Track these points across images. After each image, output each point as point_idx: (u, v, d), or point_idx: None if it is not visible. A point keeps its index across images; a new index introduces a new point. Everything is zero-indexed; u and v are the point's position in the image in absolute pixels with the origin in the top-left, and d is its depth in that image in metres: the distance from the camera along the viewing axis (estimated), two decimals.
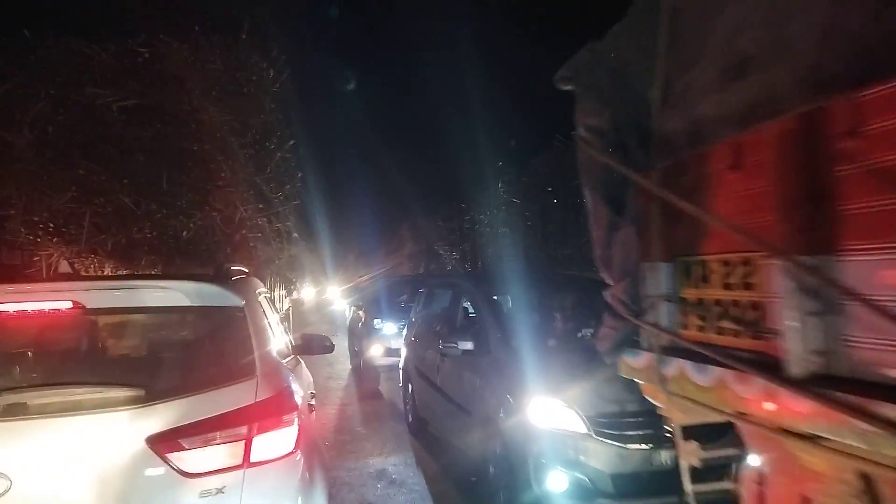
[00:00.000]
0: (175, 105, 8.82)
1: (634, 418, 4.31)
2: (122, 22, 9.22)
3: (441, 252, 24.21)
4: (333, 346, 4.82)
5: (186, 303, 3.24)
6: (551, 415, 4.46)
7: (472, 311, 6.85)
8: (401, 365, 8.66)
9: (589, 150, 3.26)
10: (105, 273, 9.07)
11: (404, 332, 8.98)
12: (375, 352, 10.81)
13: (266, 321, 3.63)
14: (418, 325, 8.20)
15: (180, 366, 3.18)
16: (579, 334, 5.75)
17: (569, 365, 4.74)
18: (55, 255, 8.94)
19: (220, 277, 3.63)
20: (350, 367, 13.45)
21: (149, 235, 8.92)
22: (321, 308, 27.85)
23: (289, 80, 10.30)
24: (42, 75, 8.59)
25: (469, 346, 5.63)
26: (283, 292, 13.41)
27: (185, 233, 8.98)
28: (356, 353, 12.19)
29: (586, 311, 5.81)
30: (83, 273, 8.08)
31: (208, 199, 9.05)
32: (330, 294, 29.42)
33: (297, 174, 11.26)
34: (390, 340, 10.59)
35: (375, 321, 11.13)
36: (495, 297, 6.28)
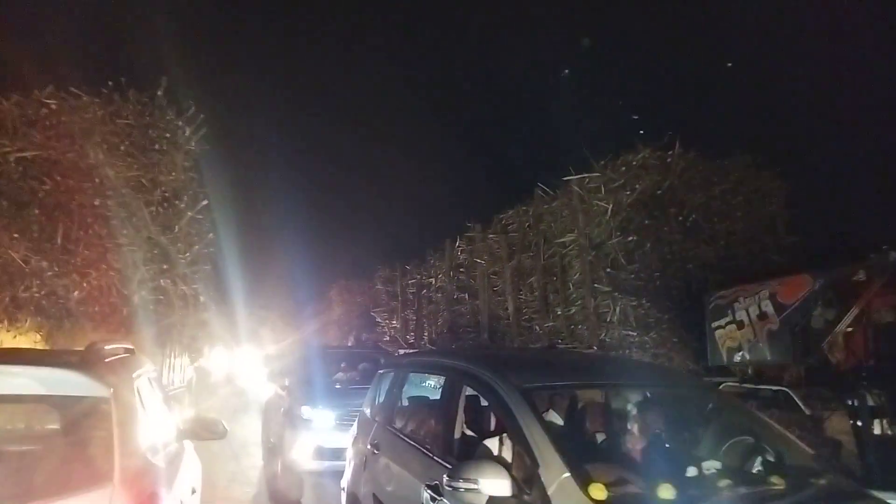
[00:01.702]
0: (78, 158, 8.36)
1: None
2: (31, 73, 8.77)
3: (379, 320, 21.52)
4: (226, 430, 4.38)
5: (40, 391, 2.84)
6: None
7: (501, 422, 3.83)
8: (345, 484, 5.53)
9: None
10: None
11: (352, 431, 5.92)
12: (301, 452, 7.93)
13: (140, 412, 3.24)
14: (381, 428, 4.99)
15: (23, 468, 2.75)
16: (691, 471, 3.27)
17: None
18: None
19: (88, 360, 3.20)
20: (263, 464, 9.11)
21: (36, 295, 8.27)
22: (232, 379, 25.26)
23: (208, 138, 9.98)
24: None
25: (503, 488, 2.98)
26: (185, 361, 12.66)
27: (76, 293, 8.36)
28: (273, 450, 8.58)
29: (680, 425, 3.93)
30: None
31: (106, 257, 8.50)
32: (244, 362, 27.04)
33: (209, 235, 10.79)
34: (324, 436, 8.05)
35: (304, 408, 8.31)
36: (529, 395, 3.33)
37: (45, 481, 2.63)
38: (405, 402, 5.38)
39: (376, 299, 22.19)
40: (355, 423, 5.94)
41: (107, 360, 3.34)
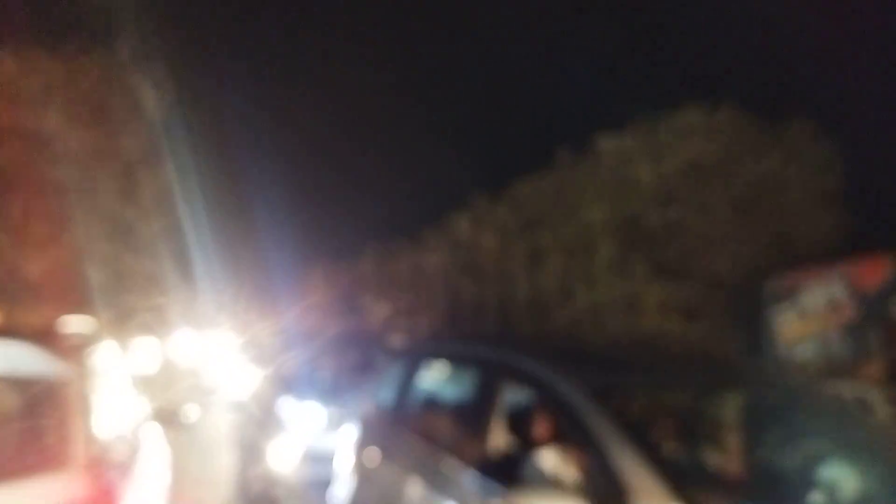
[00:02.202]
0: (35, 125, 7.81)
1: None
2: None
3: (366, 304, 19.97)
4: (194, 417, 4.09)
5: None
6: None
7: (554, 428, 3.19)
8: (335, 501, 4.58)
9: None
10: None
11: (344, 432, 5.01)
12: (284, 456, 6.58)
13: (101, 394, 2.91)
14: (388, 431, 4.18)
15: None
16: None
17: None
18: None
19: (47, 338, 2.88)
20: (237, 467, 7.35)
21: None
22: (199, 364, 24.63)
23: (178, 103, 9.43)
24: None
25: None
26: (153, 344, 12.15)
27: (34, 268, 7.86)
28: (249, 451, 7.28)
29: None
30: None
31: (66, 232, 8.00)
32: (213, 347, 26.26)
33: (177, 208, 10.28)
34: (313, 438, 6.90)
35: (286, 403, 7.27)
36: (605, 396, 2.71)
37: None
38: (421, 400, 4.37)
39: (363, 282, 20.64)
40: (349, 424, 4.95)
41: (66, 338, 3.03)
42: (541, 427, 3.21)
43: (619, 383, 2.94)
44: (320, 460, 6.41)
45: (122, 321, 9.23)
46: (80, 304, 8.36)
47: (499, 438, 3.08)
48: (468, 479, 2.94)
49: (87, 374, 2.86)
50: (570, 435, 2.82)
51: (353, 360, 8.93)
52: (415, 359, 4.44)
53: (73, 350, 2.91)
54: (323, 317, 24.21)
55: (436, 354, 4.48)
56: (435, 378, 4.68)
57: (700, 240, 8.83)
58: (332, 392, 7.39)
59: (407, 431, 3.86)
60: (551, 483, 2.71)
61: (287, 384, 7.80)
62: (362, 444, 4.33)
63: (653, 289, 9.14)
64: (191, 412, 4.03)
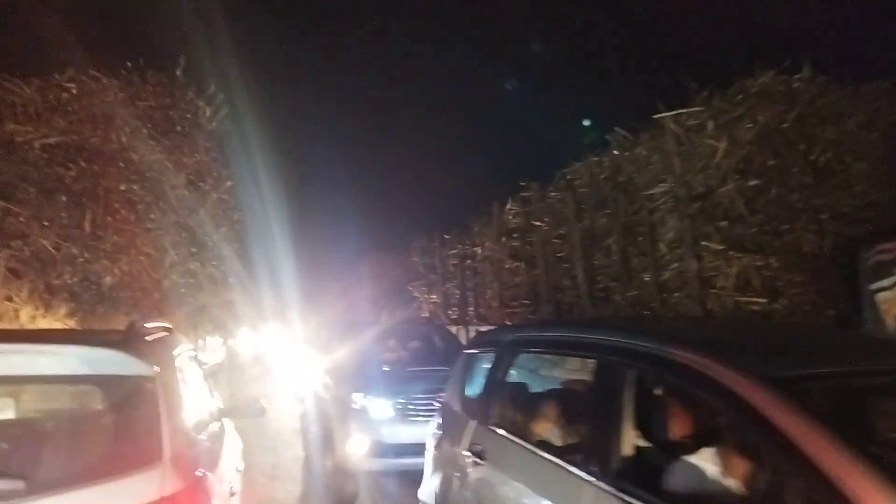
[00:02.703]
0: (102, 143, 8.33)
1: None
2: (50, 56, 8.73)
3: (416, 294, 19.95)
4: (265, 408, 4.37)
5: (83, 371, 2.79)
6: None
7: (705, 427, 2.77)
8: (427, 498, 4.41)
9: None
10: (20, 321, 8.41)
11: (430, 429, 4.71)
12: (356, 447, 6.92)
13: (184, 390, 3.20)
14: (482, 429, 3.77)
15: (71, 450, 2.70)
16: None
17: None
18: None
19: (130, 339, 3.15)
20: (304, 456, 8.17)
21: (69, 281, 8.30)
22: (260, 359, 25.07)
23: (231, 116, 9.91)
24: None
25: None
26: (218, 341, 12.75)
27: (108, 278, 8.39)
28: (323, 443, 7.73)
29: None
30: None
31: (135, 241, 8.51)
32: (273, 341, 26.74)
33: (235, 216, 10.77)
34: (382, 430, 6.93)
35: (355, 396, 7.22)
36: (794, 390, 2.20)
37: (94, 463, 2.58)
38: (518, 393, 4.01)
39: (413, 272, 20.62)
40: (434, 419, 4.72)
41: (148, 338, 3.30)
42: (687, 427, 2.80)
43: (808, 373, 2.37)
44: (395, 451, 6.67)
45: (192, 321, 9.76)
46: (152, 309, 8.90)
47: (629, 440, 2.68)
48: (593, 488, 2.58)
49: (171, 373, 3.12)
50: (739, 437, 2.39)
51: (420, 349, 9.16)
52: (507, 349, 3.94)
53: (157, 351, 3.19)
54: (376, 308, 23.62)
55: (535, 344, 4.02)
56: (531, 369, 4.47)
57: (781, 210, 7.96)
58: (399, 382, 7.43)
59: (505, 430, 3.51)
60: (717, 496, 2.33)
61: (355, 377, 7.74)
62: (450, 443, 4.01)
63: (730, 265, 8.27)
64: (261, 405, 4.29)
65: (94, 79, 8.49)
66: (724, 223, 8.30)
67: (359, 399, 7.19)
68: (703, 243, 8.59)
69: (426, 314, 18.61)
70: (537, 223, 12.56)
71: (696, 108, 8.67)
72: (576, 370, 4.05)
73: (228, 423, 4.22)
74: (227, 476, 3.54)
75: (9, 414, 2.99)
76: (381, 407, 7.11)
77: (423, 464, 4.66)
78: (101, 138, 8.32)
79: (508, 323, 13.05)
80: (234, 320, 12.80)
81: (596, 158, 11.04)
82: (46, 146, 8.17)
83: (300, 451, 8.48)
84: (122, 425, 2.77)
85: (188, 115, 8.92)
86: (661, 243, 9.24)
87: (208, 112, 9.23)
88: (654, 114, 9.02)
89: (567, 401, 3.65)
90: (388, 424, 6.97)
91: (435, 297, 18.68)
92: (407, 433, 6.67)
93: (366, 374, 7.71)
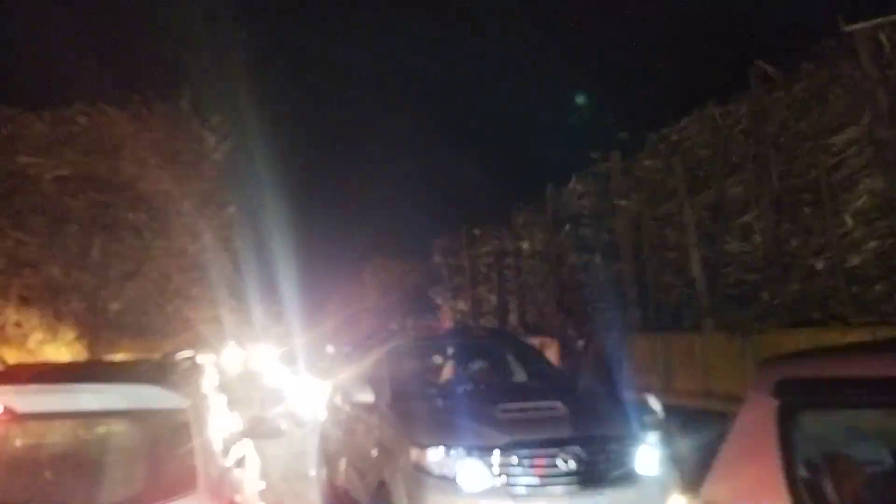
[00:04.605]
0: (111, 174, 8.65)
1: None
2: (61, 90, 9.07)
3: (439, 301, 17.21)
4: (284, 430, 4.62)
5: (125, 406, 3.08)
6: None
7: None
8: None
9: None
10: (28, 347, 8.67)
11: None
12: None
13: (211, 418, 3.49)
14: None
15: (114, 479, 2.98)
16: None
17: None
18: None
19: (164, 374, 3.46)
20: None
21: (77, 307, 8.58)
22: (254, 378, 24.05)
23: (233, 143, 10.23)
24: None
25: None
26: (229, 363, 12.97)
27: (115, 304, 8.67)
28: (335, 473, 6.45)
29: None
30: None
31: (142, 268, 8.81)
32: (265, 360, 26.01)
33: (237, 240, 11.06)
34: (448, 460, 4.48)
35: (431, 453, 4.52)
36: None
37: (134, 493, 2.86)
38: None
39: (433, 276, 17.86)
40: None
41: (179, 370, 3.59)
42: None
43: None
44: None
45: (195, 343, 10.02)
46: (156, 333, 9.18)
47: None
48: None
49: (202, 403, 3.42)
50: None
51: (490, 371, 6.42)
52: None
53: (188, 382, 3.48)
54: (377, 319, 21.78)
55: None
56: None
57: None
58: (492, 425, 4.71)
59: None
60: None
61: (415, 415, 5.23)
62: None
63: None
64: (278, 423, 4.53)
65: (103, 112, 8.82)
66: None
67: (437, 457, 4.45)
68: None
69: (450, 323, 16.07)
70: (621, 202, 9.68)
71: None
72: None
73: (247, 443, 4.48)
74: (250, 497, 3.83)
75: (60, 447, 3.27)
76: (478, 471, 4.39)
77: None
78: (109, 169, 8.64)
79: (571, 332, 10.08)
80: (242, 342, 13.00)
81: (729, 107, 7.90)
82: (58, 177, 8.48)
83: (319, 469, 7.42)
84: (160, 456, 3.04)
85: (194, 146, 9.24)
86: (844, 215, 6.52)
87: (213, 142, 9.55)
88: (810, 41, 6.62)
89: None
90: (483, 498, 4.39)
91: (462, 303, 15.89)
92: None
93: (423, 413, 5.16)
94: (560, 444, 4.50)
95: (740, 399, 2.52)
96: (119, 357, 8.58)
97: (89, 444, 3.25)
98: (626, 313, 9.30)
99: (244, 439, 4.39)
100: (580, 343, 9.51)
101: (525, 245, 12.86)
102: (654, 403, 5.77)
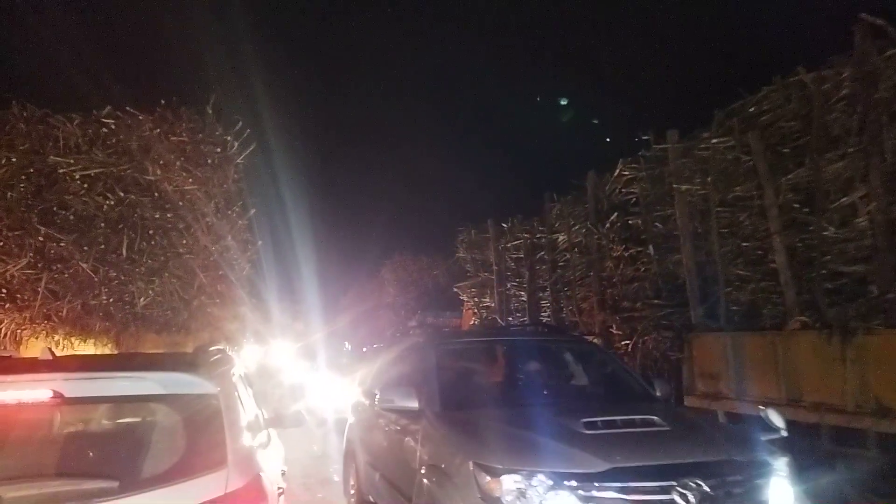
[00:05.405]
0: (138, 174, 8.99)
1: None
2: (90, 94, 9.44)
3: (464, 297, 16.41)
4: (305, 419, 4.90)
5: (161, 391, 3.37)
6: None
7: None
8: None
9: None
10: (56, 339, 9.04)
11: None
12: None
13: (238, 404, 3.77)
14: None
15: (154, 455, 3.28)
16: None
17: None
18: (5, 321, 8.89)
19: (197, 363, 3.76)
20: None
21: (105, 302, 8.93)
22: (272, 373, 24.30)
23: (255, 147, 10.56)
24: (3, 142, 8.73)
25: None
26: (251, 358, 13.37)
27: (142, 299, 9.01)
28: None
29: None
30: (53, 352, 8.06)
31: (168, 265, 9.14)
32: (282, 356, 26.32)
33: (257, 242, 11.40)
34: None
35: (508, 480, 3.51)
36: None
37: (173, 467, 3.16)
38: None
39: (454, 272, 17.24)
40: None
41: (210, 361, 3.89)
42: None
43: None
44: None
45: (218, 339, 10.36)
46: (181, 328, 9.52)
47: None
48: None
49: (230, 390, 3.71)
50: None
51: (533, 371, 5.59)
52: None
53: (218, 371, 3.76)
54: (395, 316, 21.91)
55: None
56: None
57: None
58: (575, 443, 3.76)
59: None
60: None
61: (482, 431, 4.21)
62: None
63: None
64: (301, 416, 4.79)
65: (130, 115, 9.18)
66: None
67: (515, 487, 3.51)
68: None
69: (475, 321, 15.25)
70: (681, 187, 8.67)
71: None
72: None
73: (271, 435, 4.77)
74: (274, 476, 4.11)
75: (103, 428, 3.57)
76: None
77: None
78: (136, 170, 8.98)
79: (615, 331, 9.58)
80: (261, 339, 13.37)
81: (830, 70, 6.85)
82: (86, 177, 8.83)
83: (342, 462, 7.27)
84: (193, 435, 3.35)
85: (217, 149, 9.56)
86: None
87: (236, 146, 9.87)
88: None
89: None
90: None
91: (489, 300, 14.97)
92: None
93: (487, 427, 4.19)
94: (675, 472, 3.47)
95: (836, 410, 2.00)
96: (146, 350, 8.97)
97: (131, 424, 3.56)
98: (684, 310, 8.44)
99: (268, 428, 4.69)
100: (626, 343, 9.33)
101: (561, 237, 12.14)
102: (776, 419, 4.32)
